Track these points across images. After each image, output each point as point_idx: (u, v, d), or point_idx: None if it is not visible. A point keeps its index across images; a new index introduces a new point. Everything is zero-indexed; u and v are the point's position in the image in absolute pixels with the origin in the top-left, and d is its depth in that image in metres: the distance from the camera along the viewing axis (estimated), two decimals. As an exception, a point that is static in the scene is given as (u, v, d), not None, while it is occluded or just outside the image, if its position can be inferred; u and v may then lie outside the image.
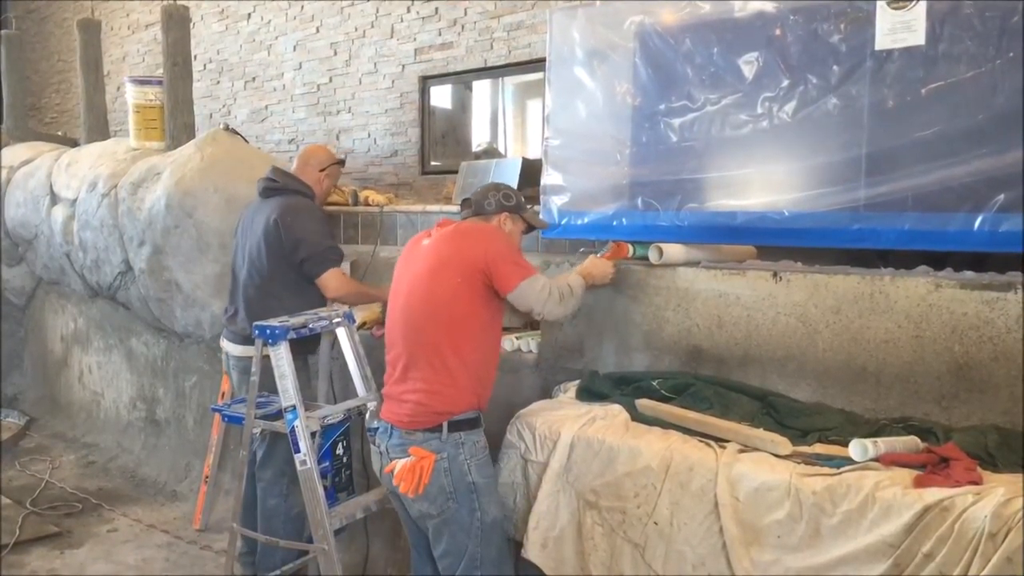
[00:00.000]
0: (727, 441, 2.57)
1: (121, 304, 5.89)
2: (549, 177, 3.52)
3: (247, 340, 3.69)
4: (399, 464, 2.92)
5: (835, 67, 2.75)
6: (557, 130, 3.51)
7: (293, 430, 3.26)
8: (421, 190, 5.70)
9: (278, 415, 3.49)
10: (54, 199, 6.25)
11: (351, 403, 3.54)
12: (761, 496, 2.34)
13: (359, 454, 3.79)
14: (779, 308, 2.87)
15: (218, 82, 7.29)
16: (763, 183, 2.91)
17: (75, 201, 5.91)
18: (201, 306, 5.13)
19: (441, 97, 5.87)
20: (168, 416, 5.72)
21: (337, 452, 3.51)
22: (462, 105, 5.86)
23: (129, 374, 6.06)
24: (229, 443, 5.07)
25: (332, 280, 3.78)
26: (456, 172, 5.39)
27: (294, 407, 3.25)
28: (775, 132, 2.87)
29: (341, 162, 4.21)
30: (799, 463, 2.38)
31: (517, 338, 3.70)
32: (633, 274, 3.25)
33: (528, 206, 3.36)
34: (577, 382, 3.24)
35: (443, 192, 5.35)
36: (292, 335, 3.30)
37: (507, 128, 5.85)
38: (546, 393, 3.54)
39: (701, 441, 2.61)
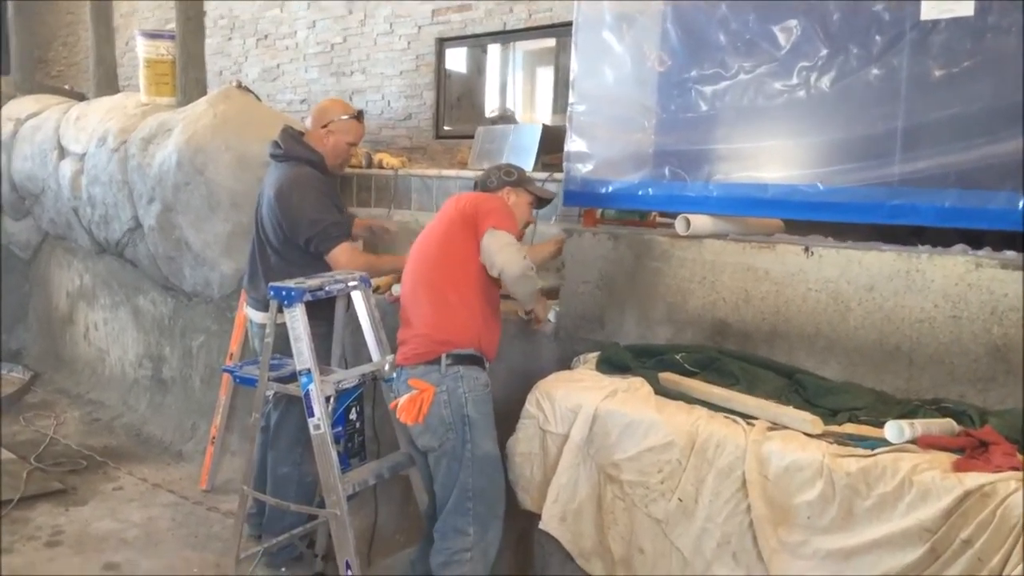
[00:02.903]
0: (755, 418, 2.52)
1: (129, 261, 5.82)
2: (573, 143, 3.43)
3: (269, 306, 3.62)
4: (401, 398, 3.07)
5: (877, 37, 2.66)
6: (582, 95, 3.42)
7: (307, 394, 3.20)
8: (435, 155, 5.61)
9: (292, 378, 3.44)
10: (62, 153, 6.16)
11: (366, 368, 3.48)
12: (791, 475, 2.29)
13: (371, 420, 3.74)
14: (810, 284, 2.80)
15: (230, 39, 7.17)
16: (796, 155, 2.83)
17: (84, 155, 5.83)
18: (210, 266, 5.06)
19: (457, 60, 5.76)
20: (174, 375, 5.66)
21: (350, 418, 3.46)
22: (479, 69, 5.76)
23: (135, 332, 6.00)
24: (236, 404, 5.02)
25: (341, 256, 3.64)
26: (471, 137, 5.31)
27: (309, 371, 3.19)
28: (811, 103, 2.79)
29: (356, 116, 3.88)
30: (831, 443, 2.33)
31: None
32: (657, 245, 3.18)
33: (532, 179, 3.39)
34: (597, 353, 3.18)
35: (457, 157, 5.27)
36: (308, 297, 3.24)
37: (517, 94, 5.76)
38: (564, 364, 3.48)
39: (727, 417, 2.55)
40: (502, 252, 2.96)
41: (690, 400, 2.71)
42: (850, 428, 2.46)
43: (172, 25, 5.72)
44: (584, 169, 3.40)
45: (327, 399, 3.25)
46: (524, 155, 4.40)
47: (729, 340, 3.00)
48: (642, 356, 3.09)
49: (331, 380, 3.30)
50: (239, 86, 5.24)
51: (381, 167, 4.97)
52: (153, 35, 5.74)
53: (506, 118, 5.63)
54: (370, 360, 3.61)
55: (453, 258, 3.08)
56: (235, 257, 4.90)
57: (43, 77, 8.95)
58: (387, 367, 3.35)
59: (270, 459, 3.78)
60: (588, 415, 2.76)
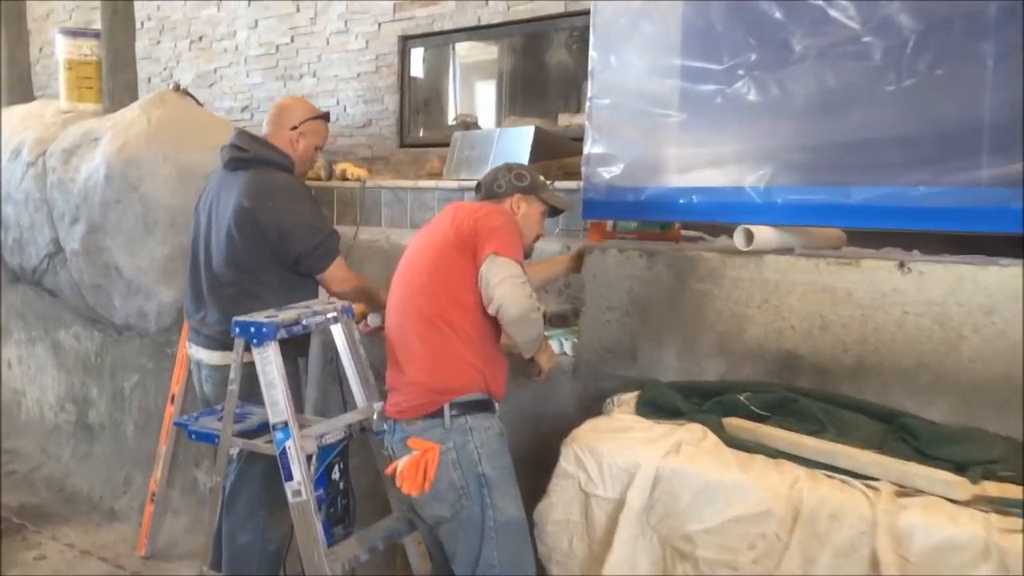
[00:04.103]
0: (872, 479, 2.01)
1: (47, 291, 5.09)
2: (595, 145, 2.91)
3: (224, 345, 3.01)
4: (400, 462, 2.52)
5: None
6: (604, 88, 2.91)
7: (284, 452, 2.61)
8: (399, 165, 5.05)
9: (259, 431, 2.84)
10: (-32, 169, 5.40)
11: (351, 416, 2.89)
12: (944, 557, 1.78)
13: (362, 474, 3.14)
14: (907, 306, 2.32)
15: (158, 42, 6.48)
16: (887, 153, 2.35)
17: (-6, 170, 5.10)
18: (146, 294, 4.40)
19: (424, 60, 5.21)
20: (103, 420, 4.96)
21: (333, 477, 2.86)
22: (449, 69, 5.22)
23: (56, 371, 5.27)
24: (179, 454, 4.36)
25: (339, 272, 3.11)
26: (441, 145, 4.78)
27: (286, 424, 2.60)
28: (904, 90, 2.31)
29: (323, 116, 3.36)
30: (987, 511, 1.83)
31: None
32: (705, 263, 2.67)
33: (547, 185, 2.91)
34: (635, 394, 2.65)
35: (426, 168, 4.71)
36: (283, 334, 2.65)
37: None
38: (584, 404, 2.95)
39: (837, 478, 2.04)
40: (503, 286, 2.44)
41: (772, 454, 2.19)
42: (991, 488, 1.97)
43: (98, 25, 5.04)
44: (608, 174, 2.89)
45: (308, 458, 2.65)
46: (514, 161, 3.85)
47: (800, 376, 2.50)
48: (693, 396, 2.58)
49: (312, 434, 2.70)
50: (177, 89, 4.60)
51: (345, 178, 4.38)
52: (75, 33, 5.05)
53: (468, 124, 5.09)
54: (353, 405, 3.02)
55: (448, 284, 2.55)
56: (175, 284, 4.26)
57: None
58: (375, 416, 2.77)
59: (225, 526, 3.13)
60: (648, 476, 2.23)
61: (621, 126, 2.86)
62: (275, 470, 2.69)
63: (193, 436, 2.89)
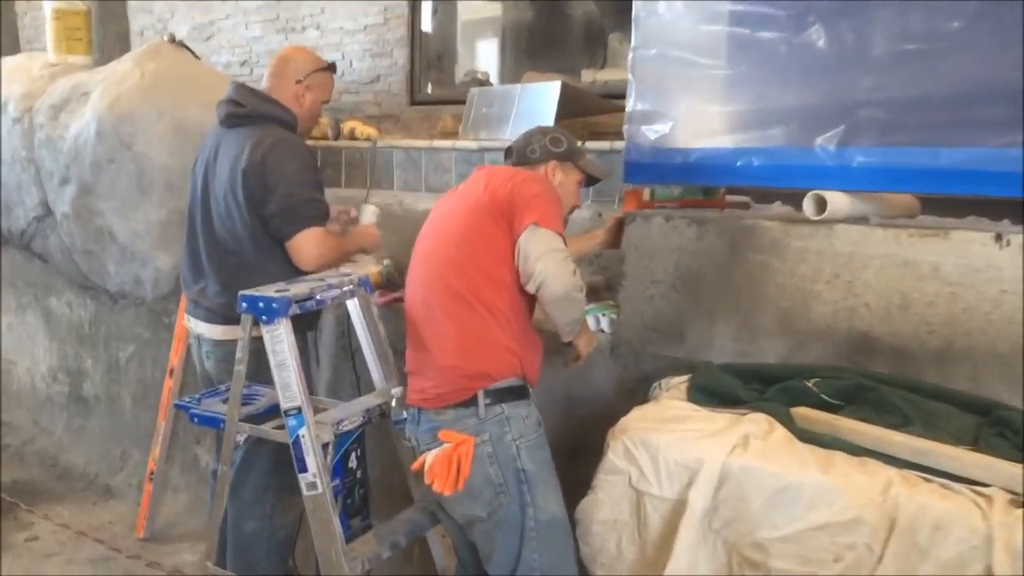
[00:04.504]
0: (981, 484, 1.76)
1: (37, 255, 4.81)
2: (639, 101, 2.62)
3: (227, 319, 2.76)
4: (430, 456, 2.27)
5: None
6: (650, 37, 2.61)
7: (297, 441, 2.35)
8: (410, 124, 4.74)
9: (268, 415, 2.58)
10: (-48, 125, 5.08)
11: (370, 400, 2.63)
12: (1076, 579, 1.54)
13: (376, 458, 2.88)
14: (1004, 284, 2.06)
15: (152, -8, 6.14)
16: (982, 109, 2.07)
17: (-22, 127, 4.78)
18: (142, 260, 4.12)
19: (436, 12, 4.88)
20: (98, 393, 4.70)
21: (350, 466, 2.61)
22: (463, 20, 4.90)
23: (47, 340, 5.00)
24: (179, 431, 4.11)
25: (307, 244, 2.74)
26: (455, 102, 4.46)
27: (299, 410, 2.34)
28: (1003, 36, 2.02)
29: (329, 68, 3.07)
30: (1123, 525, 1.58)
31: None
32: (764, 232, 2.40)
33: (584, 151, 2.65)
34: (686, 378, 2.39)
35: (438, 127, 4.41)
36: (295, 309, 2.38)
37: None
38: (624, 388, 2.70)
39: (938, 483, 1.79)
40: (544, 260, 2.18)
41: (854, 450, 1.94)
42: (1115, 495, 1.72)
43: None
44: (654, 134, 2.60)
45: (324, 446, 2.39)
46: (537, 122, 3.56)
47: (876, 360, 2.24)
48: (752, 382, 2.32)
49: (328, 421, 2.44)
50: (172, 41, 4.29)
51: (353, 138, 4.09)
52: (62, -20, 4.71)
53: (480, 81, 4.78)
54: (370, 387, 2.76)
55: (481, 257, 2.29)
56: (172, 249, 3.98)
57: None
58: (394, 403, 2.52)
59: (230, 513, 2.88)
60: (713, 474, 1.97)
61: (669, 80, 2.56)
62: (283, 454, 2.46)
63: (196, 420, 2.63)
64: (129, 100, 3.99)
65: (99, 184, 4.07)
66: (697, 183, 2.66)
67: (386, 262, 3.56)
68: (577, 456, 2.49)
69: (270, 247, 2.80)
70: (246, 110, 2.87)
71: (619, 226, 2.77)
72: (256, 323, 2.39)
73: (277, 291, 2.40)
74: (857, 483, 1.82)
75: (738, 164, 2.43)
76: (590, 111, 3.56)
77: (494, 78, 4.87)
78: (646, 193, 2.88)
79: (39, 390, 5.07)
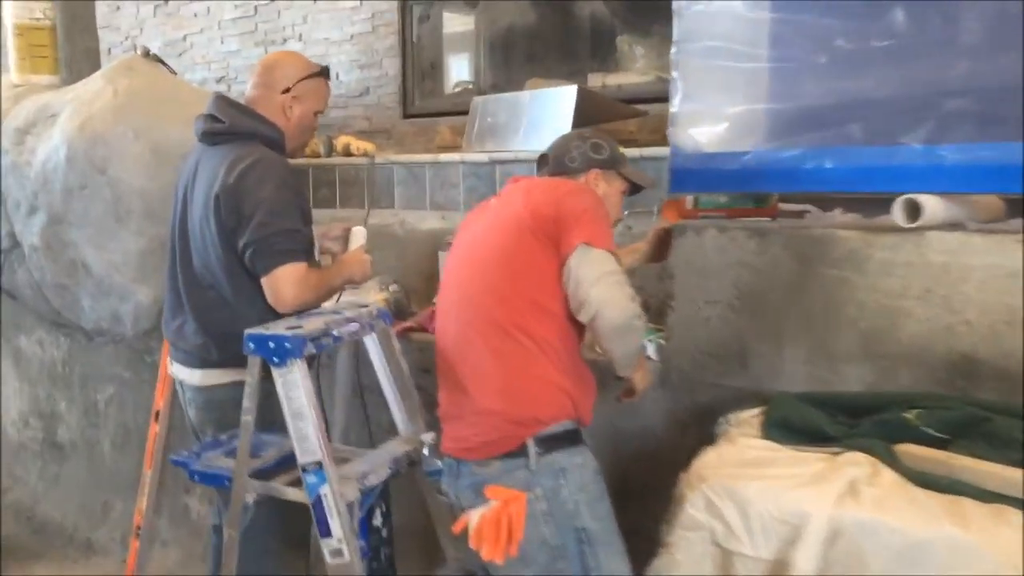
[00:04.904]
0: None
1: (6, 292, 4.45)
2: (684, 101, 2.34)
3: (204, 362, 2.49)
4: (474, 516, 1.96)
5: None
6: (694, 28, 2.34)
7: (319, 501, 2.04)
8: (404, 138, 4.45)
9: (279, 469, 2.27)
10: (-94, 154, 4.71)
11: (395, 447, 2.32)
12: None
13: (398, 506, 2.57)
14: None
15: (118, 8, 5.78)
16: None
17: (-65, 155, 4.43)
18: (120, 294, 3.78)
19: (428, 17, 4.58)
20: (75, 438, 4.34)
21: (374, 523, 2.31)
22: (460, 27, 4.61)
23: (17, 382, 4.63)
24: (166, 479, 3.77)
25: (282, 282, 2.35)
26: (453, 114, 4.19)
27: (320, 465, 2.02)
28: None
29: (322, 73, 2.68)
30: None
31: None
32: (841, 243, 2.13)
33: (626, 158, 2.37)
34: (758, 411, 2.11)
35: (436, 140, 4.13)
36: (310, 349, 2.07)
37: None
38: (678, 422, 2.42)
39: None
40: (599, 285, 1.91)
41: (983, 496, 1.66)
42: None
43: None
44: (703, 137, 2.32)
45: (349, 506, 2.08)
46: (552, 131, 3.28)
47: (982, 385, 1.98)
48: (836, 414, 2.04)
49: (352, 476, 2.13)
50: (146, 55, 3.97)
51: (348, 154, 3.79)
52: (23, -6, 4.37)
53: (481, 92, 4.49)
54: (376, 429, 2.46)
55: (526, 283, 2.01)
56: (154, 281, 3.65)
57: None
58: (426, 451, 2.21)
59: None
60: (821, 530, 1.68)
61: (720, 76, 2.29)
62: (286, 510, 2.16)
63: (197, 478, 2.30)
64: (101, 121, 3.67)
65: (71, 212, 3.73)
66: (757, 191, 2.37)
67: (393, 287, 3.27)
68: (625, 500, 2.21)
69: (248, 284, 2.44)
70: (225, 126, 2.52)
71: (662, 238, 2.49)
72: (265, 366, 2.07)
73: (288, 328, 2.09)
74: (1002, 538, 1.54)
75: (807, 167, 2.16)
76: (610, 117, 3.31)
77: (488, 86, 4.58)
78: (688, 202, 2.61)
79: (10, 436, 4.70)
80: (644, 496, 2.23)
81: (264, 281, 2.37)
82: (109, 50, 5.86)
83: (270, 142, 2.53)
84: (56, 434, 4.43)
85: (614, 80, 3.86)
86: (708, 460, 1.93)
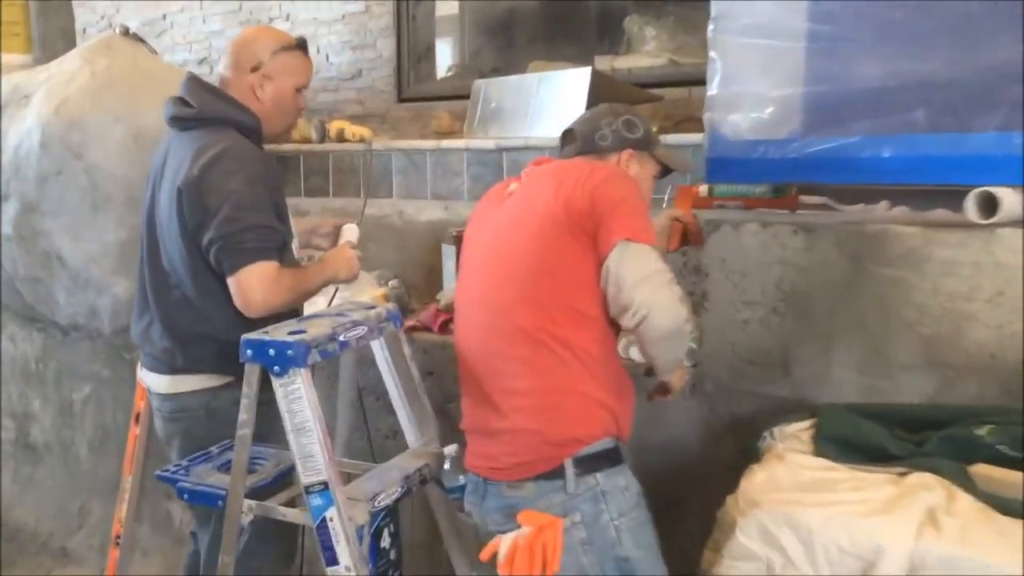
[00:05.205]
0: None
1: (-26, 284, 4.20)
2: (724, 83, 2.15)
3: (172, 367, 2.27)
4: (505, 542, 1.77)
5: None
6: (733, 5, 2.14)
7: (324, 525, 1.83)
8: (399, 123, 4.21)
9: (276, 485, 2.06)
10: None
11: (407, 462, 2.11)
12: None
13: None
14: None
15: (94, -14, 5.52)
16: None
17: (-102, 139, 4.17)
18: (97, 288, 3.55)
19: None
20: (49, 439, 4.11)
21: (382, 545, 2.09)
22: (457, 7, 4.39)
23: (-12, 379, 4.39)
24: (146, 484, 3.53)
25: (249, 283, 2.11)
26: (451, 98, 3.97)
27: (326, 485, 1.82)
28: None
29: (297, 45, 2.37)
30: None
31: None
32: (896, 240, 1.95)
33: (659, 139, 2.13)
34: (807, 424, 1.93)
35: (433, 125, 3.90)
36: (315, 356, 1.85)
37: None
38: (712, 433, 2.24)
39: None
40: (645, 287, 1.70)
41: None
42: None
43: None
44: (744, 121, 2.12)
45: (358, 529, 1.88)
46: (563, 116, 3.07)
47: (1059, 398, 1.79)
48: (893, 427, 1.86)
49: (362, 496, 1.92)
50: (126, 33, 3.73)
51: (342, 140, 3.55)
52: (-7, -32, 4.12)
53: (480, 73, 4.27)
54: (392, 436, 2.25)
55: (560, 285, 1.79)
56: (133, 275, 3.39)
57: None
58: (448, 465, 2.01)
59: None
60: (900, 565, 1.50)
61: (763, 56, 2.10)
62: (280, 530, 2.00)
63: (186, 496, 2.09)
64: (78, 103, 3.44)
65: (45, 200, 3.49)
66: (805, 181, 2.18)
67: (392, 282, 3.07)
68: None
69: (215, 286, 2.20)
70: (194, 111, 2.28)
71: (684, 232, 2.28)
72: (265, 375, 1.86)
73: (291, 333, 1.88)
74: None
75: (863, 157, 1.97)
76: (627, 102, 3.08)
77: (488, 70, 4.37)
78: (702, 189, 2.41)
79: (-20, 437, 4.45)
80: (672, 513, 2.05)
81: (230, 282, 2.14)
82: (84, 30, 5.58)
83: (244, 128, 2.28)
84: (29, 435, 4.19)
85: (623, 63, 3.66)
86: (759, 482, 1.75)
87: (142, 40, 3.78)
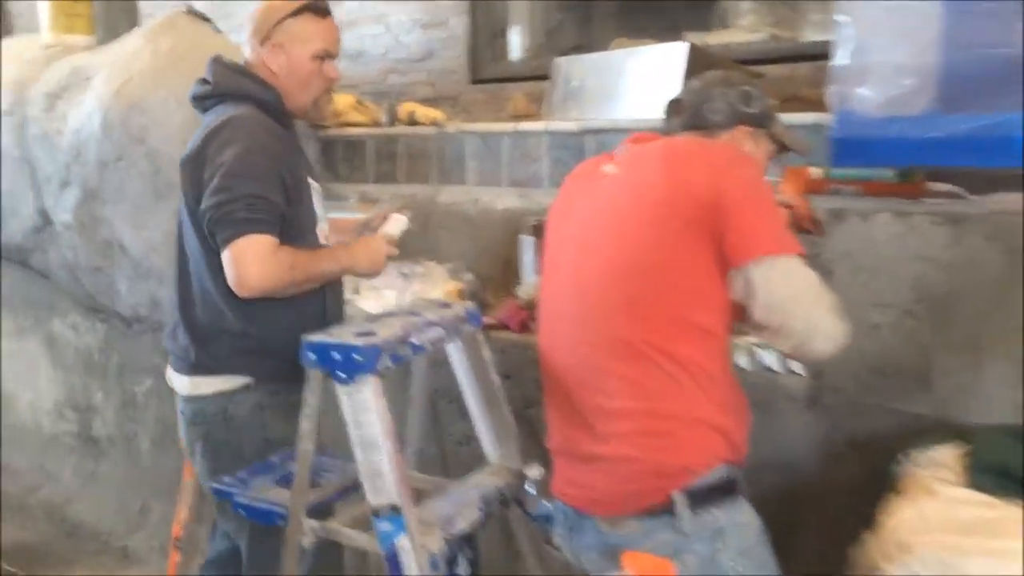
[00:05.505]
0: None
1: (38, 271, 4.10)
2: (857, 53, 1.86)
3: (190, 367, 2.09)
4: None
5: None
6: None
7: (394, 553, 1.61)
8: (471, 106, 3.98)
9: (338, 500, 1.85)
10: (-65, 121, 4.37)
11: (486, 480, 1.88)
12: None
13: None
14: None
15: (160, -35, 5.41)
16: None
17: (-37, 124, 4.08)
18: (159, 278, 3.41)
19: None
20: (111, 433, 3.99)
21: (457, 573, 1.86)
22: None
23: (52, 369, 4.29)
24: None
25: (243, 256, 1.90)
26: (530, 79, 3.72)
27: (396, 510, 1.60)
28: None
29: (308, 7, 2.09)
30: None
31: (759, 345, 2.06)
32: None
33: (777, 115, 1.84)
34: (953, 448, 1.65)
35: (508, 108, 3.66)
36: (386, 362, 1.63)
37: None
38: (832, 453, 1.97)
39: None
40: (802, 310, 1.48)
41: None
42: None
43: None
44: (879, 96, 1.83)
45: (432, 558, 1.66)
46: (655, 95, 2.81)
47: None
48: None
49: (435, 521, 1.70)
50: (189, 12, 3.57)
51: (413, 122, 3.35)
52: (57, -54, 3.99)
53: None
54: (465, 443, 2.03)
55: (673, 290, 1.54)
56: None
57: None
58: (531, 488, 1.78)
59: None
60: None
61: (904, 19, 1.80)
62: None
63: (244, 513, 1.89)
64: (140, 85, 3.30)
65: (105, 187, 3.37)
66: (964, 165, 1.87)
67: (467, 276, 2.85)
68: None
69: (220, 269, 2.00)
70: (209, 88, 2.13)
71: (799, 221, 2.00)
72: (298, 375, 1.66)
73: (359, 335, 1.66)
74: None
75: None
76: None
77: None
78: (814, 171, 2.13)
79: (44, 429, 4.36)
80: (785, 540, 1.79)
81: (224, 257, 1.94)
82: (151, 14, 5.48)
83: (263, 104, 2.09)
84: (91, 428, 4.09)
85: (716, 39, 3.36)
86: (908, 520, 1.48)
87: (207, 19, 3.62)
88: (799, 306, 1.46)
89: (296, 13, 2.10)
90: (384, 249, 2.12)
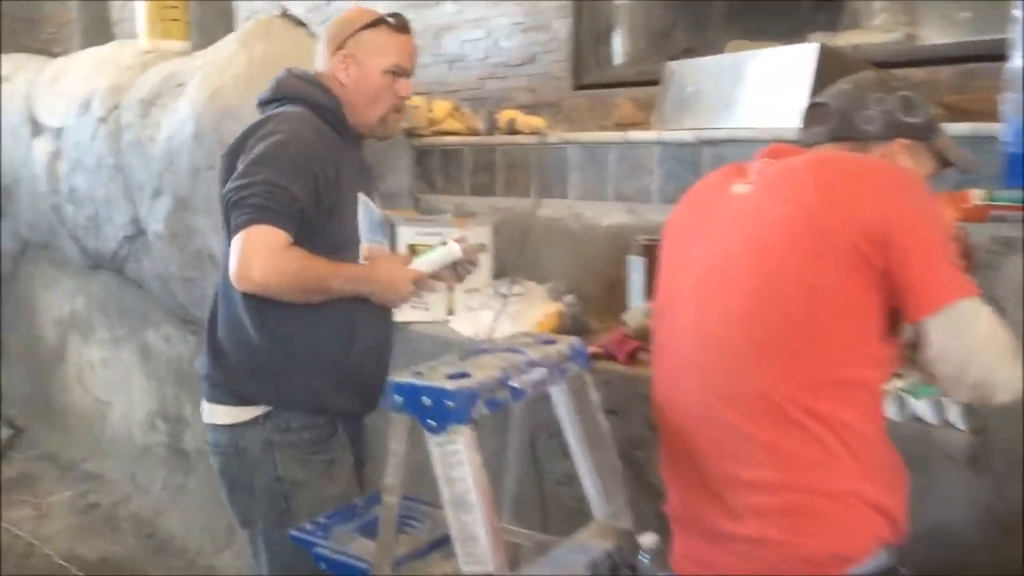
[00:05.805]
0: None
1: (132, 281, 4.06)
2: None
3: (227, 393, 1.97)
4: None
5: None
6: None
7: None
8: (575, 113, 3.78)
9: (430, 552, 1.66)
10: (36, 128, 4.38)
11: (592, 541, 1.66)
12: None
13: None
14: None
15: (258, -30, 5.37)
16: None
17: (61, 130, 4.06)
18: (250, 290, 3.29)
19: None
20: (200, 446, 3.90)
21: (558, 644, 1.65)
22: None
23: (144, 379, 4.26)
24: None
25: (252, 246, 1.77)
26: (636, 84, 3.50)
27: (493, 581, 1.39)
28: None
29: (383, 21, 2.04)
30: None
31: (905, 389, 1.78)
32: None
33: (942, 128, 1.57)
34: None
35: (614, 115, 3.45)
36: (482, 409, 1.43)
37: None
38: (998, 523, 1.70)
39: None
40: (986, 359, 1.25)
41: None
42: None
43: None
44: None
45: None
46: (779, 102, 2.55)
47: None
48: None
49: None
50: (285, 16, 3.46)
51: (513, 131, 3.16)
52: (155, -49, 3.95)
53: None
54: (566, 483, 1.81)
55: (824, 341, 1.30)
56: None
57: (30, 41, 7.21)
58: (645, 558, 1.55)
59: None
60: None
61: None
62: None
63: (324, 566, 1.71)
64: (234, 91, 3.21)
65: (197, 196, 3.29)
66: None
67: (568, 298, 2.64)
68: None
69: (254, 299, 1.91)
70: (271, 94, 2.07)
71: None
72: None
73: (451, 377, 1.45)
74: None
75: None
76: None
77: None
78: (975, 195, 1.85)
79: (135, 438, 4.33)
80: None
81: (232, 245, 1.84)
82: (248, 18, 5.45)
83: (319, 107, 2.00)
84: (182, 440, 4.03)
85: (846, 40, 3.07)
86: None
87: (303, 23, 3.51)
88: (984, 356, 1.22)
89: (373, 24, 2.04)
90: (407, 280, 1.96)
